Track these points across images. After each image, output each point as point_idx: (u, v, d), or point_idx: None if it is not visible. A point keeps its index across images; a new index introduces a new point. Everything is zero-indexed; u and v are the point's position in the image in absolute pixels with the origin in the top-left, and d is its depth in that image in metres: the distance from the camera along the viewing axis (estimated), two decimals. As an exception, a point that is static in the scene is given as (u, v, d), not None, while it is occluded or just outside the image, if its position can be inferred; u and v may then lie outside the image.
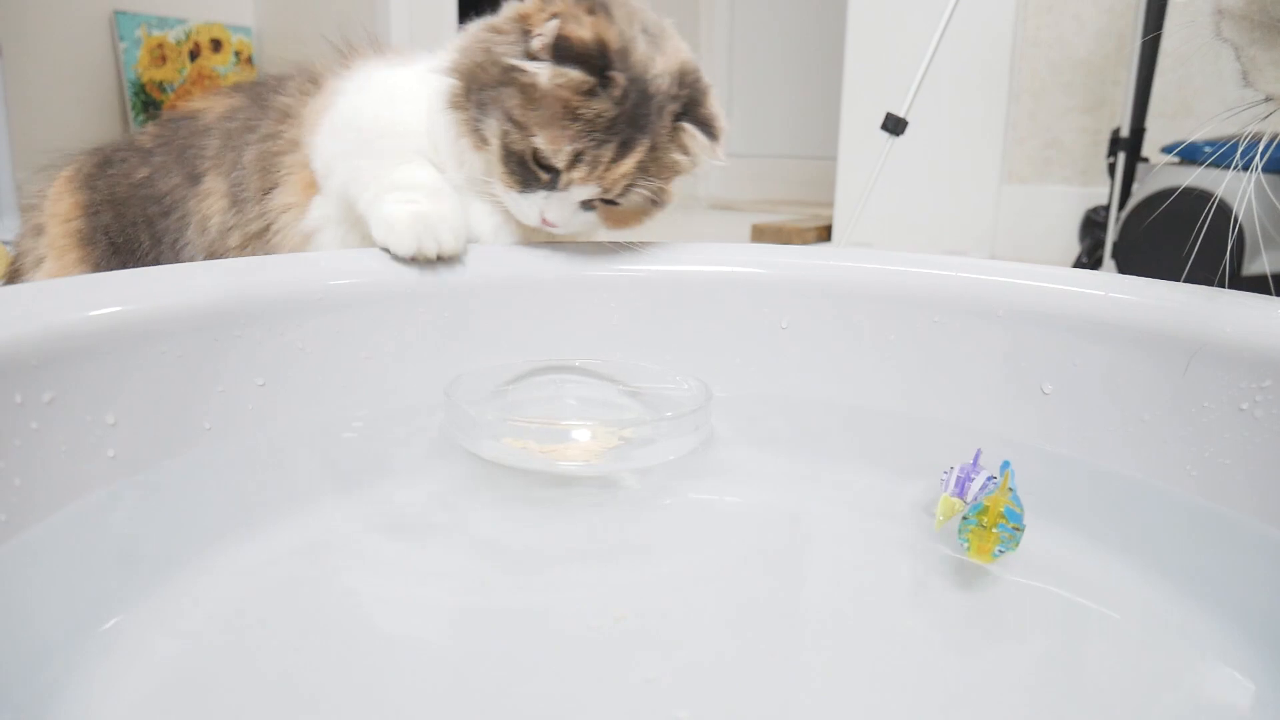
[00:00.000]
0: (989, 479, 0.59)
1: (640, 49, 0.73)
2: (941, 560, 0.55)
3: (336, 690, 0.42)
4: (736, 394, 0.79)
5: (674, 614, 0.50)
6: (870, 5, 2.67)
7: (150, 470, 0.59)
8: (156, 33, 3.50)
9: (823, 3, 4.53)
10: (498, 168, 0.75)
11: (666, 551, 0.58)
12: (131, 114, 3.43)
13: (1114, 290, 0.68)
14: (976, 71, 2.56)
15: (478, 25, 0.78)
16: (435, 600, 0.51)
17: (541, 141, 0.71)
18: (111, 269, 0.89)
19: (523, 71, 0.70)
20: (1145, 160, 2.19)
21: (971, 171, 2.64)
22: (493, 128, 0.74)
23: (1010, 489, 0.56)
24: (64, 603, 0.47)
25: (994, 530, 0.53)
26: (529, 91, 0.71)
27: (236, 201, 0.90)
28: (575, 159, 0.72)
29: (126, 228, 1.00)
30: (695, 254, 0.83)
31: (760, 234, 2.81)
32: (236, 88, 0.99)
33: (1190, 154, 2.07)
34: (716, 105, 0.79)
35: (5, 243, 1.56)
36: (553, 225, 0.77)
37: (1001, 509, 0.53)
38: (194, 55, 3.59)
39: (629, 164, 0.73)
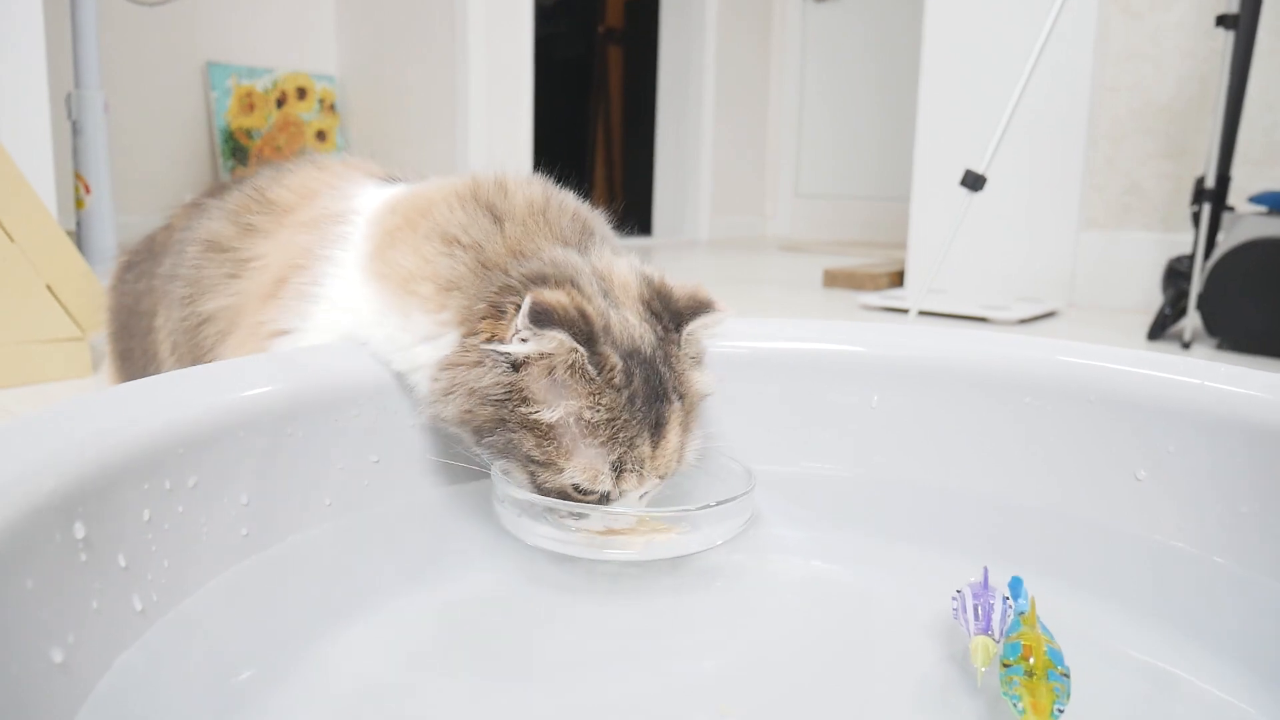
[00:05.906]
0: (1003, 601, 0.51)
1: (614, 316, 0.63)
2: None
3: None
4: (811, 472, 0.81)
5: (767, 707, 0.51)
6: (945, 50, 2.68)
7: (278, 546, 0.63)
8: (245, 82, 3.66)
9: (893, 46, 4.54)
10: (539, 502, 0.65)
11: (738, 639, 0.59)
12: (221, 159, 3.58)
13: (1212, 379, 0.68)
14: (1053, 117, 2.55)
15: (439, 360, 0.66)
16: (535, 695, 0.53)
17: (576, 474, 0.62)
18: (129, 378, 0.85)
19: (525, 409, 0.61)
20: (1231, 209, 2.15)
21: (1048, 218, 2.62)
22: (518, 470, 0.64)
23: (1038, 619, 0.48)
24: (208, 674, 0.51)
25: (1046, 681, 0.43)
26: (538, 428, 0.62)
27: (176, 350, 0.83)
28: (618, 471, 0.62)
29: (126, 338, 0.95)
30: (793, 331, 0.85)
31: (833, 279, 2.81)
32: (193, 204, 0.91)
33: (1279, 203, 2.03)
34: (671, 278, 0.70)
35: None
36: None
37: (1045, 650, 0.44)
38: (280, 103, 3.73)
39: (673, 438, 0.64)
